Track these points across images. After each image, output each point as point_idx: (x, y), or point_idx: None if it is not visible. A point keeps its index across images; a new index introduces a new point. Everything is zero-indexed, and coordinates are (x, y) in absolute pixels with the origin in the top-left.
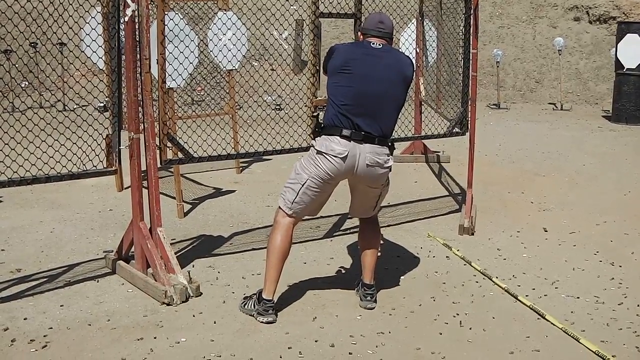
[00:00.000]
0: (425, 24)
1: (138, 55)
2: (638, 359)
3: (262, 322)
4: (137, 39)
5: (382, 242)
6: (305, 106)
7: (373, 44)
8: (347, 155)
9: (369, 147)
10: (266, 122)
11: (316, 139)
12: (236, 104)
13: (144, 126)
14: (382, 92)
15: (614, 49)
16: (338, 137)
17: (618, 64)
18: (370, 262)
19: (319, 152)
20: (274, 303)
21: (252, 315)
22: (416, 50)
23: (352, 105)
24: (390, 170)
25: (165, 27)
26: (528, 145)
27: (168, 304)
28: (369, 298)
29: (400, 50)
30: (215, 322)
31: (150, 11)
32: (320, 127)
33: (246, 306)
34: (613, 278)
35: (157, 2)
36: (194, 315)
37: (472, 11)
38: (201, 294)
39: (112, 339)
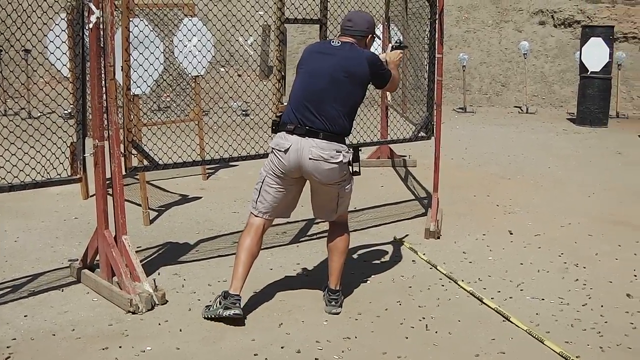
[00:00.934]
0: (391, 28)
1: (103, 62)
2: (602, 359)
3: (228, 315)
4: (102, 46)
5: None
6: (271, 111)
7: (333, 42)
8: (289, 148)
9: (312, 141)
10: (231, 128)
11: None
12: (201, 111)
13: (108, 134)
14: (323, 88)
15: (579, 52)
16: (284, 133)
17: (582, 67)
18: (336, 267)
19: (272, 150)
20: (241, 298)
21: (217, 317)
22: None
23: (299, 102)
24: (340, 166)
25: (130, 33)
26: (494, 148)
27: (133, 313)
28: (333, 303)
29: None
30: (181, 330)
31: (115, 18)
32: (278, 126)
33: (210, 309)
34: (577, 279)
35: (122, 8)
36: (159, 324)
37: (437, 16)
38: (167, 301)
39: (77, 349)
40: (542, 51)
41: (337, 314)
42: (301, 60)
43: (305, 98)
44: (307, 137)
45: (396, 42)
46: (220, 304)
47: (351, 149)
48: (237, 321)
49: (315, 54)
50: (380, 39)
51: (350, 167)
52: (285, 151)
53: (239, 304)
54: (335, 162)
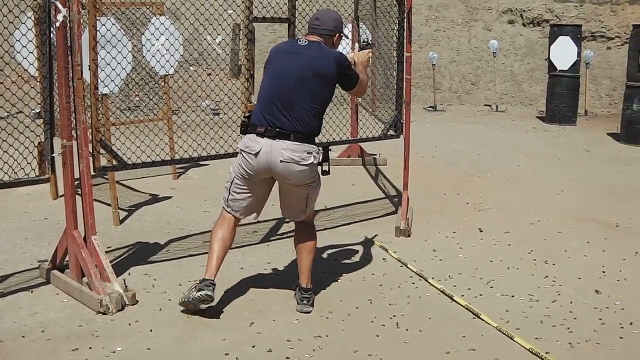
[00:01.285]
0: (360, 27)
1: (70, 61)
2: (571, 355)
3: (198, 295)
4: (69, 45)
5: (318, 245)
6: (240, 110)
7: (300, 41)
8: (259, 151)
9: (283, 144)
10: (200, 127)
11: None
12: (169, 110)
13: (76, 133)
14: (290, 88)
15: (547, 51)
16: (254, 135)
17: (551, 66)
18: (306, 265)
19: (241, 151)
20: (215, 284)
21: (190, 300)
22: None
23: (267, 102)
24: (311, 168)
25: (97, 32)
26: (464, 146)
27: (104, 313)
28: (305, 302)
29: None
30: (151, 330)
31: (82, 16)
32: (247, 127)
33: (184, 295)
34: (547, 276)
35: (89, 7)
36: (130, 324)
37: (405, 14)
38: (137, 302)
39: (47, 350)
40: (511, 50)
41: (308, 312)
42: (268, 60)
43: (273, 98)
44: (277, 140)
45: (363, 41)
46: (194, 288)
47: (321, 149)
48: (207, 303)
49: (282, 53)
50: (348, 38)
51: (320, 167)
52: (256, 154)
53: (213, 288)
54: (306, 164)
